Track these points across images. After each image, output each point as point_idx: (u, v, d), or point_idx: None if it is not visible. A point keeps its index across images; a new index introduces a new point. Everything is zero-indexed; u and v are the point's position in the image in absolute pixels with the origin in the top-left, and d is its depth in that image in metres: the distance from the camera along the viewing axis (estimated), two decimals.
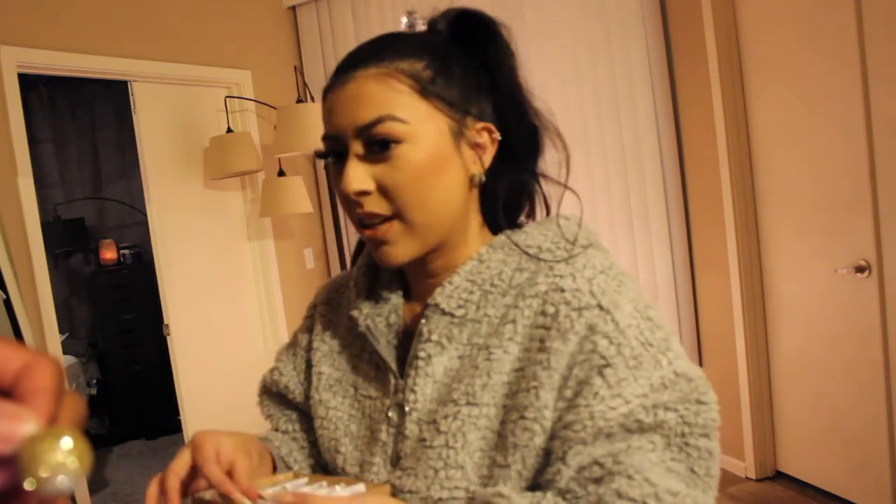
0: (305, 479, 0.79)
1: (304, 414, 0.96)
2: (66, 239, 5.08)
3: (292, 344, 0.99)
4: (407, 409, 0.78)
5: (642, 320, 0.72)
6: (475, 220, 0.81)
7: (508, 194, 0.81)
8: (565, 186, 0.82)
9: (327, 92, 0.79)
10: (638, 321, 0.72)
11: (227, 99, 3.54)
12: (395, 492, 0.76)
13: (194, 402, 3.38)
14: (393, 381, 0.81)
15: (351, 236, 3.98)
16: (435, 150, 0.74)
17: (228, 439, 0.78)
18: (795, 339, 2.91)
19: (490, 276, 0.77)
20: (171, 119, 3.42)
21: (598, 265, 0.76)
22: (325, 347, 0.91)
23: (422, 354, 0.78)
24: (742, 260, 3.03)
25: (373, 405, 0.84)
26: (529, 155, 0.82)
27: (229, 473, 0.74)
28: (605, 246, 0.81)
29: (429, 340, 0.78)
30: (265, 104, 3.69)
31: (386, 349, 0.82)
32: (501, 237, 0.79)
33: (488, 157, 0.79)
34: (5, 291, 2.59)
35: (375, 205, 0.75)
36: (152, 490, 0.75)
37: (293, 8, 4.00)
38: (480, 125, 0.78)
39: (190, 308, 3.41)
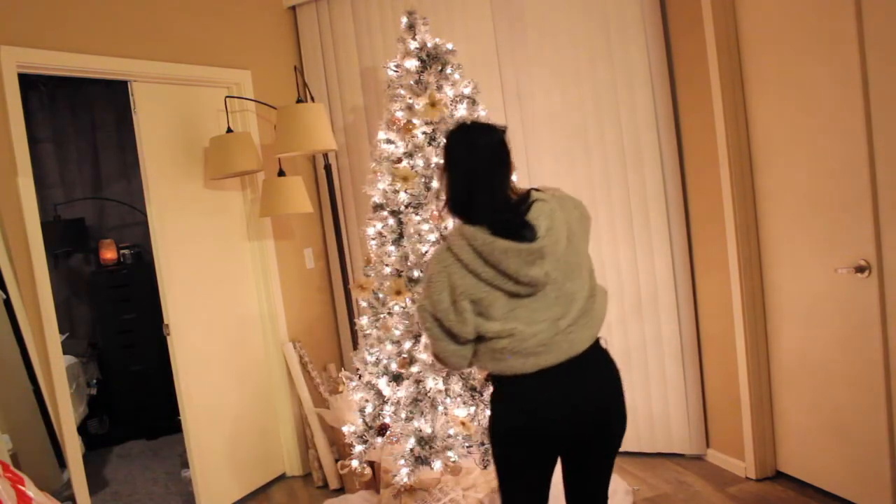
0: None
1: None
2: (66, 239, 5.07)
3: None
4: None
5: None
6: None
7: None
8: None
9: None
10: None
11: (227, 99, 3.54)
12: None
13: (194, 402, 3.38)
14: None
15: (351, 236, 3.98)
16: None
17: None
18: (795, 339, 2.91)
19: None
20: (171, 119, 3.42)
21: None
22: None
23: None
24: (742, 260, 3.03)
25: None
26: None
27: None
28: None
29: None
30: (265, 104, 3.69)
31: None
32: None
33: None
34: (5, 291, 2.59)
35: None
36: None
37: (293, 8, 4.00)
38: None
39: (190, 308, 3.41)
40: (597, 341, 1.82)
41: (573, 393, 1.76)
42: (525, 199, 1.77)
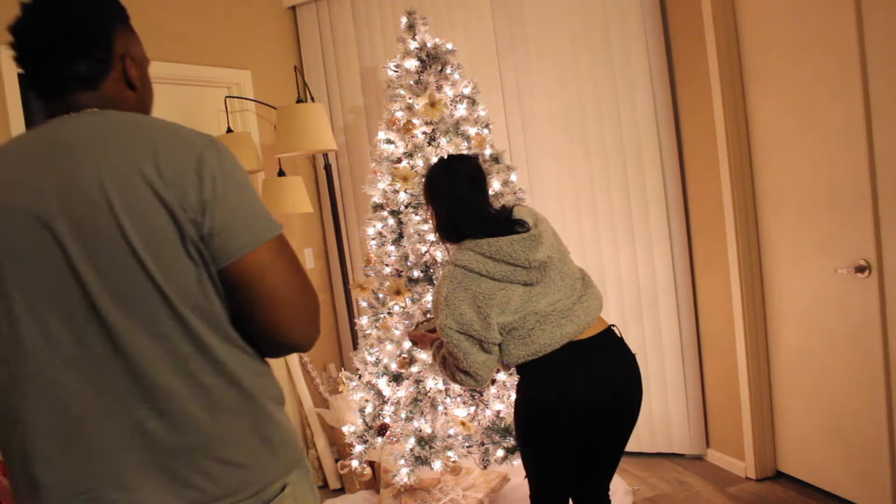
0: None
1: None
2: None
3: None
4: None
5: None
6: None
7: None
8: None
9: None
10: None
11: (227, 99, 3.54)
12: None
13: None
14: None
15: (351, 236, 3.98)
16: None
17: None
18: (795, 339, 2.91)
19: None
20: (171, 119, 3.40)
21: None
22: None
23: None
24: (742, 260, 3.03)
25: None
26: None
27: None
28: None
29: None
30: (265, 104, 3.69)
31: None
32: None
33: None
34: None
35: None
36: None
37: (293, 8, 4.00)
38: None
39: None
40: (610, 328, 1.97)
41: (601, 369, 1.88)
42: (505, 207, 2.02)
